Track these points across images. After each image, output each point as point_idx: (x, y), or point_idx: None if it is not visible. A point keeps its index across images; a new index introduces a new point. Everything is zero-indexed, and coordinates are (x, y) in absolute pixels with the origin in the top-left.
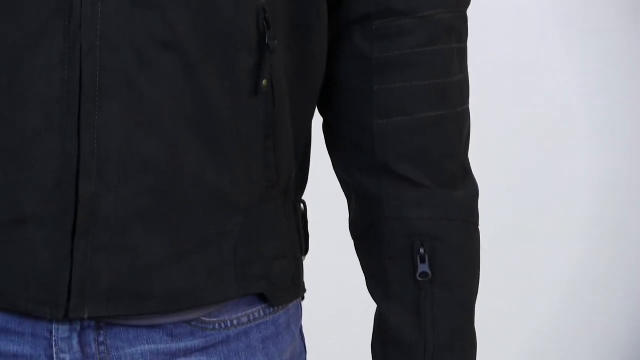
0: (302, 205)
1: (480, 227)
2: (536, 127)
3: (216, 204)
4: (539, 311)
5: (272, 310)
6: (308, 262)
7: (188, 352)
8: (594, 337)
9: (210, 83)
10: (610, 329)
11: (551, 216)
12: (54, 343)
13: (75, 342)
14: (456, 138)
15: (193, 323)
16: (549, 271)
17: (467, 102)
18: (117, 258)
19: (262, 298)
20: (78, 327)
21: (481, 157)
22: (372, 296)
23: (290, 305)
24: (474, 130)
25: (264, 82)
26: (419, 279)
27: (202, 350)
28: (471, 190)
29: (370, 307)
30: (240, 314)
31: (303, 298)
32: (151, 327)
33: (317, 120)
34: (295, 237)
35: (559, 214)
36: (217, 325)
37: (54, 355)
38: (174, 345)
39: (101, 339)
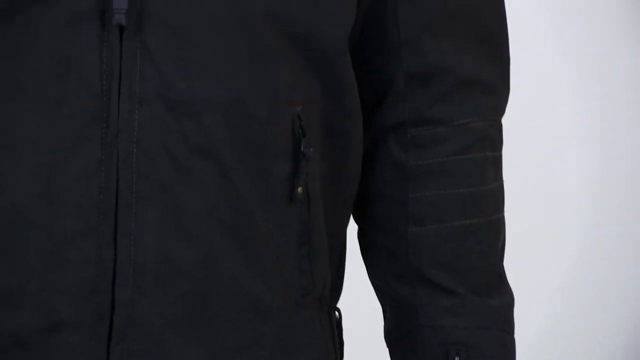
0: (336, 312)
1: None
2: (534, 129)
3: (251, 311)
4: (539, 311)
5: None
6: None
7: None
8: (593, 337)
9: (245, 190)
10: (610, 329)
11: (550, 217)
12: None
13: None
14: (491, 246)
15: None
16: (548, 271)
17: (502, 211)
18: None
19: None
20: None
21: None
22: None
23: None
24: None
25: (299, 189)
26: None
27: None
28: (506, 299)
29: None
30: None
31: None
32: None
33: (351, 227)
34: (330, 345)
35: (559, 214)
36: None
37: None
38: None
39: None
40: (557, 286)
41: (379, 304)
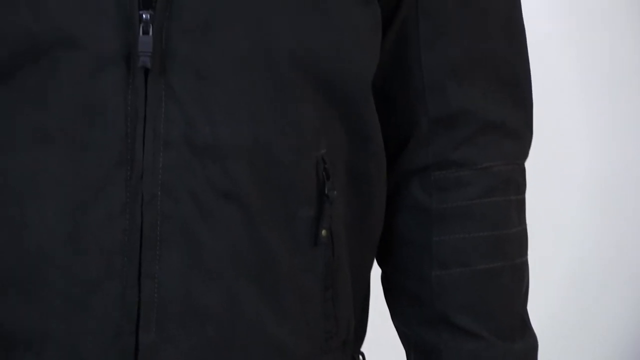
0: (360, 356)
1: None
2: (535, 128)
3: (275, 355)
4: (539, 312)
5: None
6: None
7: None
8: (593, 337)
9: (269, 233)
10: (610, 329)
11: (550, 217)
12: None
13: None
14: (514, 290)
15: None
16: (548, 272)
17: (526, 254)
18: None
19: None
20: None
21: None
22: None
23: None
24: None
25: (324, 232)
26: None
27: None
28: (530, 343)
29: None
30: None
31: None
32: None
33: (375, 272)
34: None
35: (559, 215)
36: None
37: None
38: None
39: None
40: (557, 286)
41: (402, 348)
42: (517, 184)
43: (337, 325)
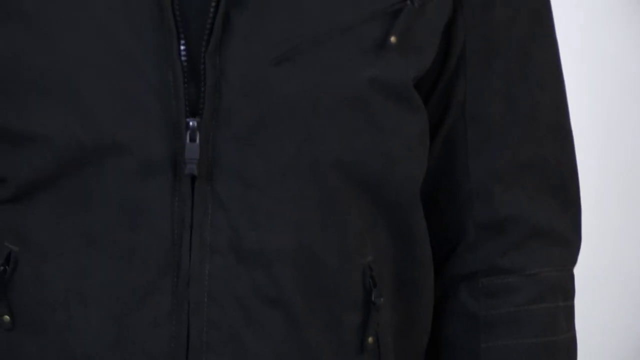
0: None
1: None
2: None
3: None
4: None
5: None
6: None
7: None
8: (594, 338)
9: (315, 340)
10: (611, 329)
11: None
12: None
13: None
14: None
15: None
16: None
17: None
18: None
19: None
20: None
21: None
22: None
23: None
24: None
25: (370, 339)
26: None
27: None
28: None
29: None
30: None
31: None
32: None
33: None
34: None
35: None
36: None
37: None
38: None
39: None
40: None
41: None
42: (565, 290)
43: None
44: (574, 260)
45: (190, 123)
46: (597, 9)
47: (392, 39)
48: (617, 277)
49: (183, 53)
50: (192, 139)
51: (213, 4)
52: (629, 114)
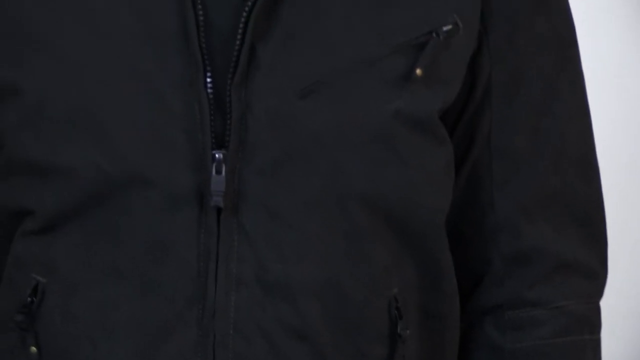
0: None
1: None
2: None
3: None
4: None
5: None
6: None
7: None
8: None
9: None
10: (611, 329)
11: None
12: None
13: None
14: None
15: None
16: None
17: None
18: None
19: None
20: None
21: None
22: None
23: None
24: None
25: None
26: None
27: None
28: None
29: None
30: None
31: None
32: None
33: None
34: None
35: None
36: None
37: None
38: None
39: None
40: None
41: None
42: (592, 323)
43: None
44: (600, 293)
45: (217, 155)
46: (597, 9)
47: (418, 71)
48: (616, 277)
49: (209, 85)
50: (218, 172)
51: (239, 36)
52: (629, 113)
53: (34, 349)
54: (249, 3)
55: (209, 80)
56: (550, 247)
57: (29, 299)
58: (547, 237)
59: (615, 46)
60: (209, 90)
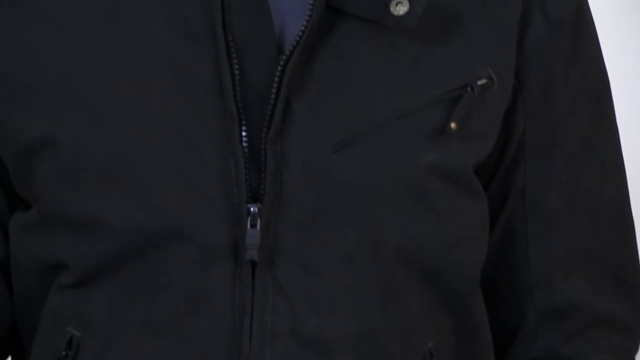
0: None
1: None
2: None
3: None
4: None
5: None
6: None
7: None
8: None
9: None
10: None
11: None
12: None
13: None
14: None
15: None
16: None
17: None
18: None
19: None
20: None
21: None
22: None
23: None
24: None
25: None
26: None
27: None
28: None
29: None
30: None
31: None
32: None
33: None
34: None
35: None
36: None
37: None
38: None
39: None
40: None
41: None
42: None
43: None
44: (636, 347)
45: (251, 209)
46: (598, 8)
47: (452, 125)
48: None
49: (244, 139)
50: (253, 225)
51: (274, 90)
52: (629, 113)
53: None
54: (284, 57)
55: (244, 134)
56: (585, 302)
57: (63, 353)
58: (581, 293)
59: (616, 46)
60: (244, 144)
